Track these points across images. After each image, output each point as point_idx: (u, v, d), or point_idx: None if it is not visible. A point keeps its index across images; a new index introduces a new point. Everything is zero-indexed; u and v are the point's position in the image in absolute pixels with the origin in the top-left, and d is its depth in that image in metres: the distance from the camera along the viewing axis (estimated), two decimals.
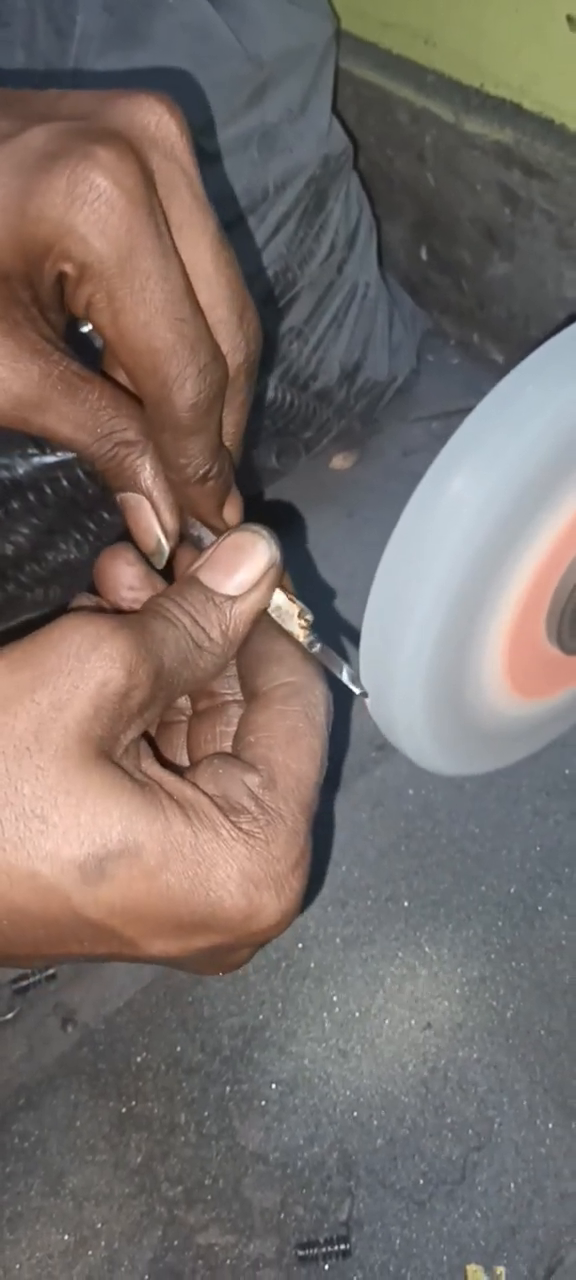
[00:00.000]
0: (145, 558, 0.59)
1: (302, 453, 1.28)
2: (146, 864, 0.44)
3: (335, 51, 1.22)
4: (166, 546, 0.57)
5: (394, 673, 0.72)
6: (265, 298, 1.12)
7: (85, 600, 0.59)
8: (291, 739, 0.51)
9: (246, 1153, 0.83)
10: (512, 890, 0.96)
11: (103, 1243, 0.80)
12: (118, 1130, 0.85)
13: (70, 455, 1.09)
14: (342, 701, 1.11)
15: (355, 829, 1.01)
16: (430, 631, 0.69)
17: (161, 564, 0.58)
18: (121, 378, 0.56)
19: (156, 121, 0.49)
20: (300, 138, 1.13)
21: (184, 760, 0.61)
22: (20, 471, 1.08)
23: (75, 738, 0.43)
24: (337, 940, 0.94)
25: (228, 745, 0.57)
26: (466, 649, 0.74)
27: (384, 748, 1.05)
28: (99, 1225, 0.81)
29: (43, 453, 1.08)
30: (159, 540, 0.57)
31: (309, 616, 0.58)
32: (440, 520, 0.67)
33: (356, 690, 0.62)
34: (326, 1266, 0.78)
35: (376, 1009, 0.90)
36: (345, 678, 0.60)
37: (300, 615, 0.58)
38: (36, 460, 1.08)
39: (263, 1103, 0.86)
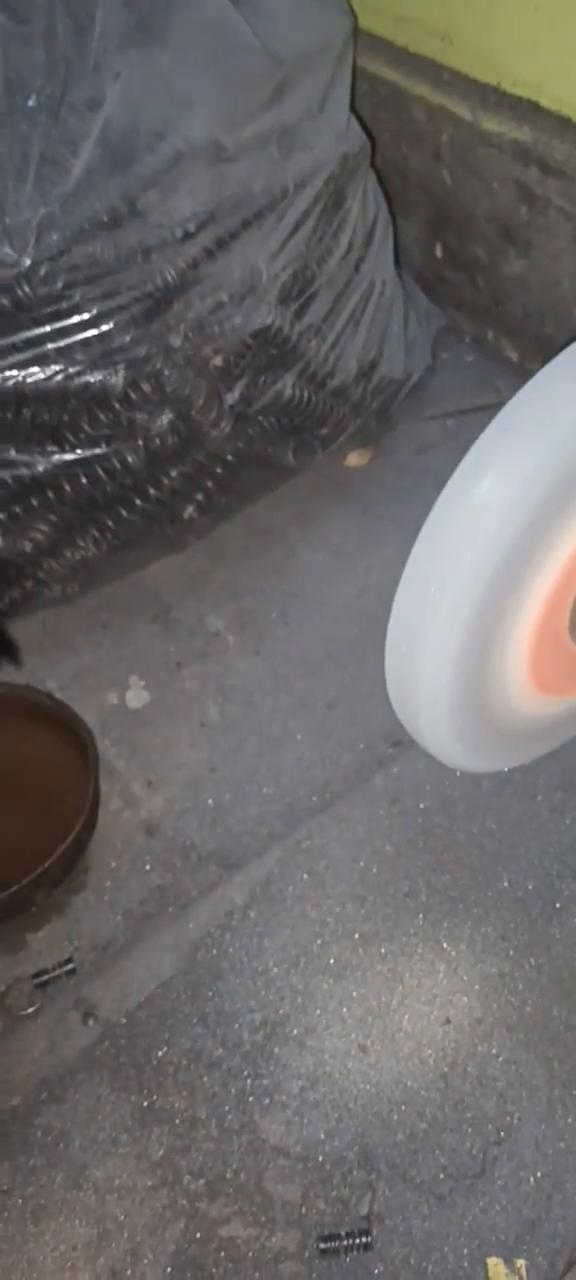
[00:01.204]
0: None
1: (319, 450, 1.28)
2: None
3: (353, 49, 1.22)
4: None
5: (419, 672, 0.72)
6: (284, 296, 1.13)
7: None
8: None
9: (268, 1146, 0.84)
10: (530, 886, 0.96)
11: (125, 1235, 0.81)
12: (140, 1124, 0.86)
13: (90, 453, 1.10)
14: (357, 698, 1.12)
15: (373, 825, 1.02)
16: (456, 631, 0.70)
17: None
18: None
19: None
20: (319, 135, 1.13)
21: None
22: (40, 469, 1.08)
23: None
24: (356, 936, 0.95)
25: None
26: (491, 648, 0.74)
27: (400, 744, 1.06)
28: (122, 1218, 0.81)
29: (62, 450, 1.09)
30: None
31: None
32: (467, 522, 0.67)
33: None
34: (348, 1259, 0.79)
35: (396, 1004, 0.91)
36: None
37: None
38: (56, 457, 1.08)
39: (283, 1097, 0.86)
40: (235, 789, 1.07)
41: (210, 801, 1.06)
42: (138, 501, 1.15)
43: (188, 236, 1.05)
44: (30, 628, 1.21)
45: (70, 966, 0.94)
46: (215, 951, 0.95)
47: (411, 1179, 0.82)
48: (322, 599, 1.23)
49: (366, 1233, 0.79)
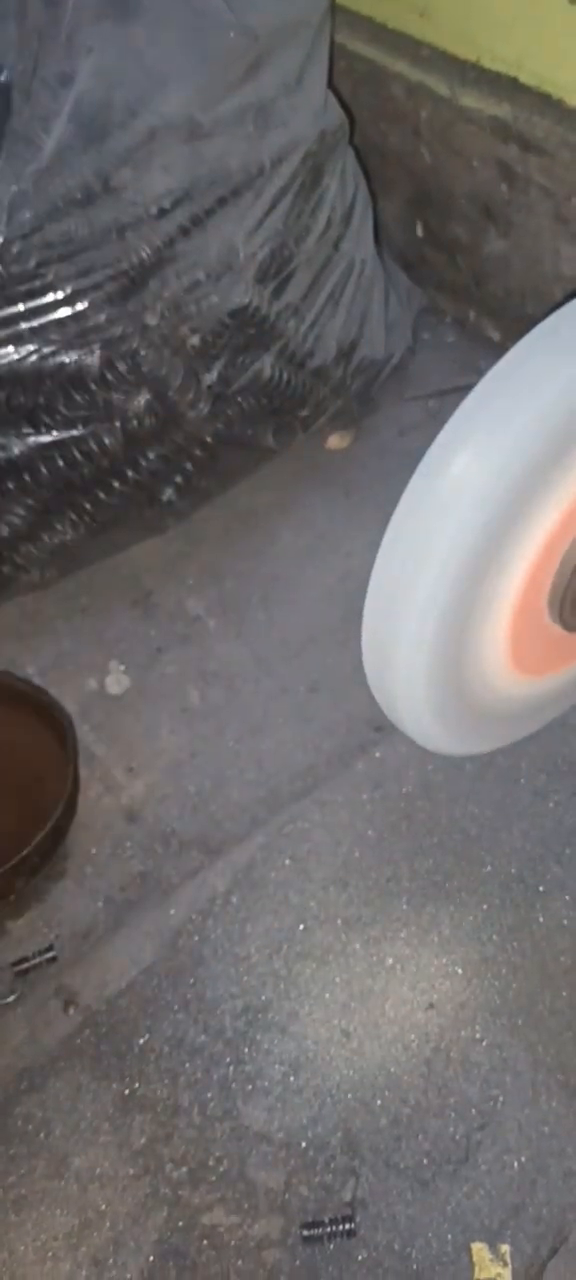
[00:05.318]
0: None
1: (299, 431, 1.27)
2: None
3: (330, 25, 1.21)
4: None
5: (396, 652, 0.71)
6: (262, 275, 1.11)
7: None
8: None
9: (250, 1133, 0.83)
10: (513, 871, 0.96)
11: (107, 1224, 0.80)
12: (121, 1112, 0.85)
13: (66, 435, 1.08)
14: (339, 682, 1.11)
15: (355, 810, 1.01)
16: (432, 611, 0.69)
17: None
18: None
19: None
20: (296, 112, 1.12)
21: None
22: (16, 451, 1.07)
23: None
24: (339, 921, 0.94)
25: None
26: (468, 627, 0.73)
27: (383, 729, 1.05)
28: (103, 1207, 0.81)
29: (38, 432, 1.07)
30: None
31: None
32: (442, 500, 0.66)
33: None
34: (331, 1246, 0.78)
35: (379, 989, 0.90)
36: None
37: None
38: (32, 440, 1.07)
39: (266, 1083, 0.86)
40: (216, 774, 1.06)
41: (191, 787, 1.05)
42: (115, 484, 1.13)
43: (163, 214, 1.03)
44: (8, 613, 1.19)
45: (51, 954, 0.93)
46: (197, 938, 0.94)
47: (395, 1165, 0.82)
48: (304, 582, 1.22)
49: (350, 1219, 0.79)
